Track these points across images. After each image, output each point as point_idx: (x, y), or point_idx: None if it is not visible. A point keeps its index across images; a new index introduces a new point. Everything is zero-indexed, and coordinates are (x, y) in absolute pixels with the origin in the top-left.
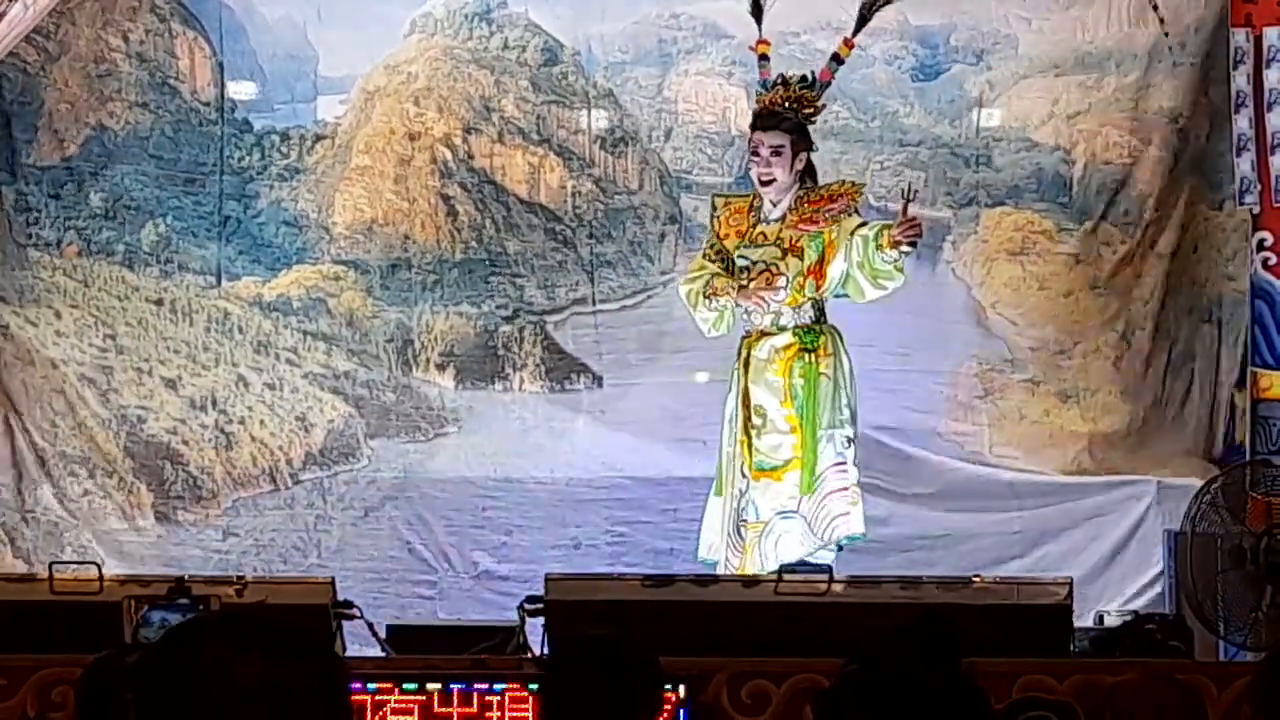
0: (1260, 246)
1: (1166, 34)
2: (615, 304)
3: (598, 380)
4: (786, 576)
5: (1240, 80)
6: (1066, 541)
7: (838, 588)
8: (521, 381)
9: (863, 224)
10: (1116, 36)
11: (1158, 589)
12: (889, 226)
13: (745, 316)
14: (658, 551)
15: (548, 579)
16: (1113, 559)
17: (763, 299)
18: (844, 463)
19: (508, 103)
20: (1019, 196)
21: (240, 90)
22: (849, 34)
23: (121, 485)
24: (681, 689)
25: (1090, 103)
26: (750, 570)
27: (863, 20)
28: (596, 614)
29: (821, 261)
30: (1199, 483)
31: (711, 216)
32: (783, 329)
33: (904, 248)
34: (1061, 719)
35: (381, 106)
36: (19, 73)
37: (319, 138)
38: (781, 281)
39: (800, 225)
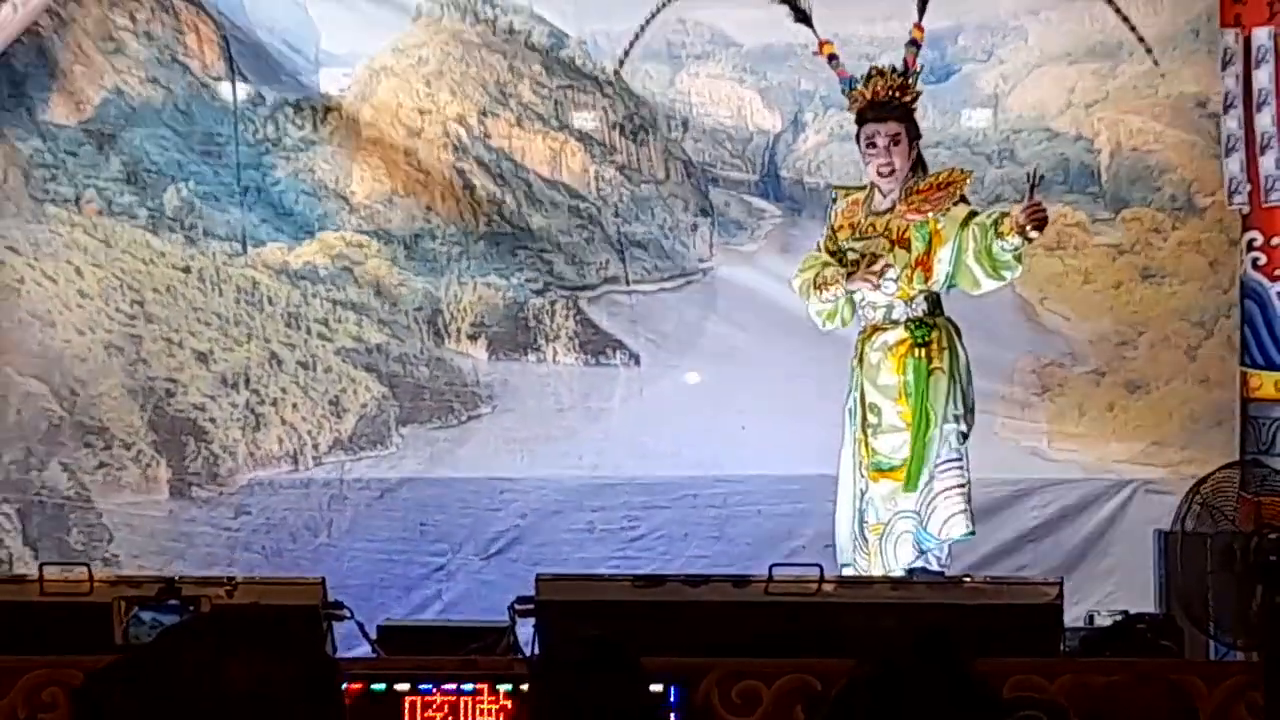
0: (1250, 246)
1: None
2: (652, 285)
3: (635, 358)
4: (777, 576)
5: (1229, 80)
6: (1055, 541)
7: (828, 587)
8: (555, 353)
9: (973, 213)
10: (1125, 27)
11: (1148, 589)
12: (1008, 213)
13: (862, 310)
14: (672, 538)
15: (538, 579)
16: (1102, 558)
17: (870, 278)
18: (958, 460)
19: (524, 88)
20: (1046, 189)
21: (247, 67)
22: (914, 20)
23: (139, 459)
24: (672, 689)
25: (1107, 90)
26: (877, 573)
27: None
28: (587, 614)
29: (929, 252)
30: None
31: (829, 208)
32: (895, 323)
33: (1030, 232)
34: (1052, 719)
35: (389, 83)
36: (32, 36)
37: (328, 109)
38: (891, 273)
39: (908, 215)
